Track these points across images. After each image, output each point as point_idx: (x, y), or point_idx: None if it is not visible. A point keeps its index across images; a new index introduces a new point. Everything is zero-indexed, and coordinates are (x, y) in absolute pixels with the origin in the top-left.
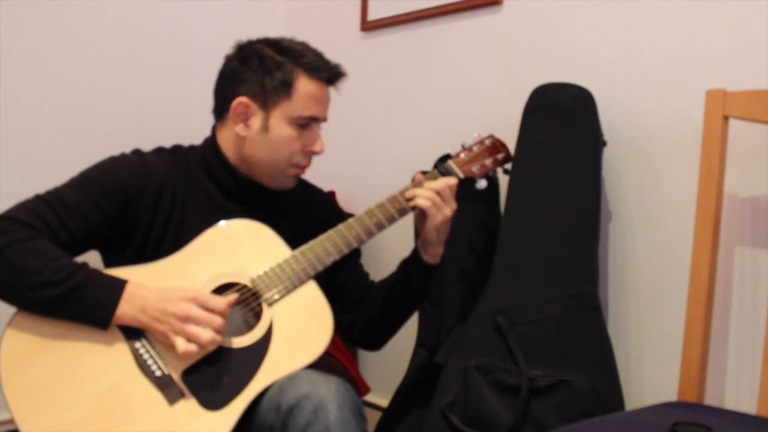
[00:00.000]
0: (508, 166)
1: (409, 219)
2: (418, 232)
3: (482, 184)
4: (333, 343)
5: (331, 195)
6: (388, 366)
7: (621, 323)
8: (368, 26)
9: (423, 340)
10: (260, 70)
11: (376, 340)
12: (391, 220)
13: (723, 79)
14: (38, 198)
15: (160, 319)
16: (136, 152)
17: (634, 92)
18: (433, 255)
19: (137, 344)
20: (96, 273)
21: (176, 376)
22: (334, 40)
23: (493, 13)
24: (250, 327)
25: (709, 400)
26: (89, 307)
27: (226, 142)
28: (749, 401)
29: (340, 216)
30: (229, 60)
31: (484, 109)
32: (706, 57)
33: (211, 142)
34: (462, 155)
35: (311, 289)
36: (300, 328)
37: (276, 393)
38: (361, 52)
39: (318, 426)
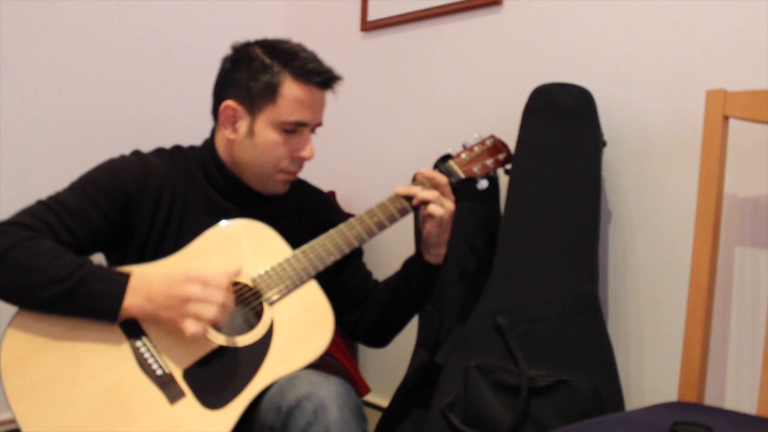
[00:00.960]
0: (509, 166)
1: (409, 219)
2: (419, 234)
3: (483, 184)
4: (333, 343)
5: (331, 195)
6: (388, 366)
7: (621, 323)
8: (368, 26)
9: (423, 341)
10: (247, 73)
11: (382, 338)
12: (392, 219)
13: (723, 79)
14: (40, 203)
15: (167, 305)
16: (136, 153)
17: (634, 92)
18: (435, 255)
19: (138, 343)
20: (100, 268)
21: (177, 375)
22: (334, 40)
23: (493, 13)
24: (251, 326)
25: (709, 400)
26: (96, 302)
27: (221, 144)
28: (749, 401)
29: (341, 216)
30: (224, 62)
31: (483, 109)
32: (706, 57)
33: (209, 144)
34: (463, 155)
35: (312, 288)
36: (301, 327)
37: (276, 393)
38: (361, 53)
39: (318, 426)
